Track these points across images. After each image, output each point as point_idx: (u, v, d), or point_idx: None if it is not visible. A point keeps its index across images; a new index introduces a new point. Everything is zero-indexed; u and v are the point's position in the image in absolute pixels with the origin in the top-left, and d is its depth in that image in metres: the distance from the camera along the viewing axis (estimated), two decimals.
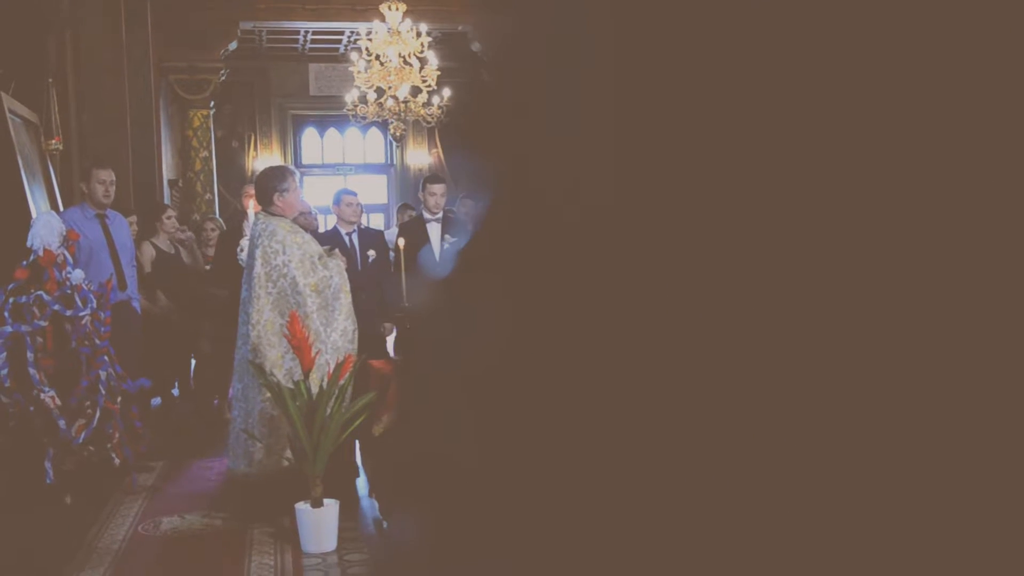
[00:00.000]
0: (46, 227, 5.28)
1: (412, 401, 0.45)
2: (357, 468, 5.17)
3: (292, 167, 5.58)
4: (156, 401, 7.46)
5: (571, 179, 0.32)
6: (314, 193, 13.99)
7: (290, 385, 4.62)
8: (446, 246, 6.45)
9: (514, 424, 0.35)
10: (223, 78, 12.39)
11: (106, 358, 5.32)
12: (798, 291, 0.30)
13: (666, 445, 0.32)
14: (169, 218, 7.52)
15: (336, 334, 4.95)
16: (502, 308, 0.34)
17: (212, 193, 12.40)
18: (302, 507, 4.48)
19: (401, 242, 5.26)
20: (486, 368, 0.35)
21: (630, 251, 0.31)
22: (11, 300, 4.98)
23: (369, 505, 5.14)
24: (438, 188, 6.64)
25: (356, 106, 11.13)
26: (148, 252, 7.18)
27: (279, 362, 4.88)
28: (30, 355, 4.91)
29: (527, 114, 0.33)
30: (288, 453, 4.84)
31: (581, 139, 0.31)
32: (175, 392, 7.84)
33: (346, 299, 5.00)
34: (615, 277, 0.32)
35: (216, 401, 7.65)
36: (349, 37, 13.59)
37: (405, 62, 10.58)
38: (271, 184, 5.09)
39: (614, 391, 0.32)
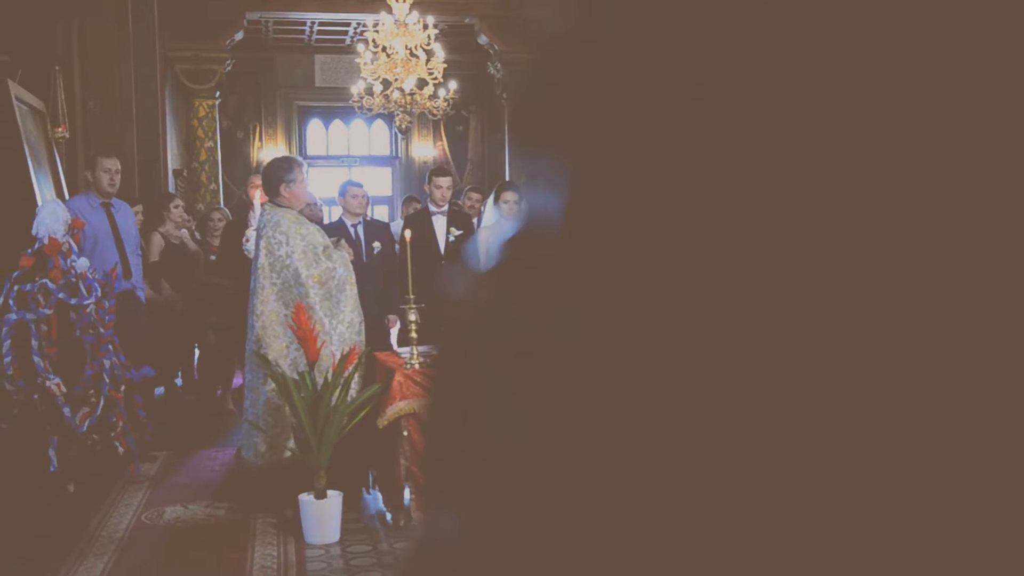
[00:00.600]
0: (51, 215, 5.28)
1: (447, 397, 0.44)
2: (364, 460, 5.16)
3: (299, 158, 5.56)
4: (160, 390, 7.47)
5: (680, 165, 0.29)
6: (319, 184, 13.97)
7: (295, 376, 4.62)
8: (451, 239, 6.44)
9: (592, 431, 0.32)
10: (229, 68, 12.37)
11: (110, 347, 5.32)
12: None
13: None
14: (176, 207, 7.50)
15: (343, 326, 4.94)
16: (585, 309, 0.32)
17: (217, 183, 12.39)
18: (305, 498, 4.48)
19: (407, 233, 5.24)
20: (560, 372, 0.33)
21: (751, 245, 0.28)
22: (16, 288, 4.98)
23: (373, 497, 5.14)
24: (444, 181, 6.62)
25: (362, 98, 11.11)
26: (157, 242, 7.15)
27: (284, 352, 4.88)
28: (34, 343, 4.92)
29: (610, 96, 0.31)
30: (291, 444, 4.84)
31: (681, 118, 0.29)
32: (179, 382, 7.84)
33: (352, 291, 4.99)
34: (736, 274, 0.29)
35: (219, 391, 7.65)
36: (355, 28, 13.56)
37: (412, 54, 10.56)
38: (278, 175, 5.08)
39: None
